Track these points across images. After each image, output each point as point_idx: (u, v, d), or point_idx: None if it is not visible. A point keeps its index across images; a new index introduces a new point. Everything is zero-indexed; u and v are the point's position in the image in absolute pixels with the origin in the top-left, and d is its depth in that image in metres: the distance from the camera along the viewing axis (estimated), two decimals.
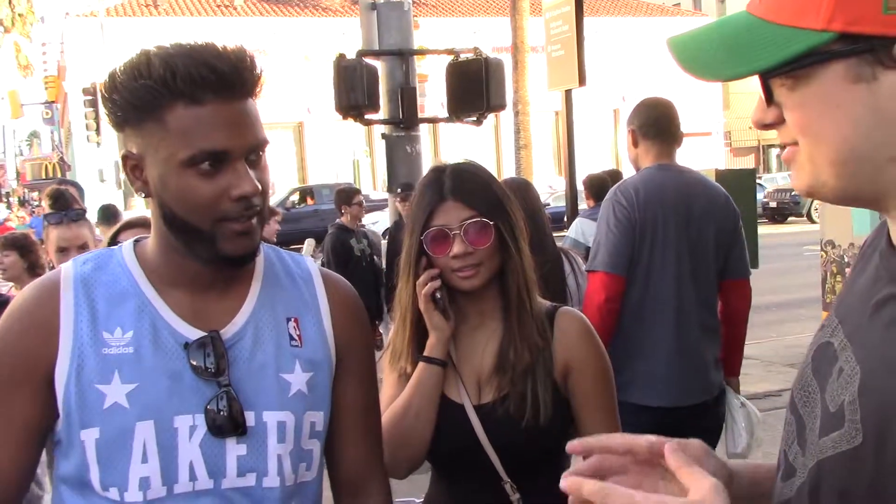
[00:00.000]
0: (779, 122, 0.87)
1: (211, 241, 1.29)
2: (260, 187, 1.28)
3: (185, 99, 1.22)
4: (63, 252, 3.44)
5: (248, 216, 1.29)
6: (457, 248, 1.76)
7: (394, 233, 7.13)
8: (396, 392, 1.86)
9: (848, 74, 0.80)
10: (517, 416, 1.77)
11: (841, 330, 0.89)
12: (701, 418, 3.25)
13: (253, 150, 1.28)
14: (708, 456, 0.99)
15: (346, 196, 7.39)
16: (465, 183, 1.81)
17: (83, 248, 3.42)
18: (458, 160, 1.89)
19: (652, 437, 0.96)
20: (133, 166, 1.30)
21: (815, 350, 0.93)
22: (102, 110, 1.30)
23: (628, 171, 3.57)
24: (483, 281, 1.80)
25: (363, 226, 7.38)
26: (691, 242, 3.17)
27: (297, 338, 1.40)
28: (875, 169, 0.82)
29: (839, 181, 0.84)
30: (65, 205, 3.52)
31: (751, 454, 3.45)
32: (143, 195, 1.31)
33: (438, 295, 1.81)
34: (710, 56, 0.86)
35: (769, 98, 0.85)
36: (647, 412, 3.10)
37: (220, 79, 1.23)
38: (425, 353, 1.83)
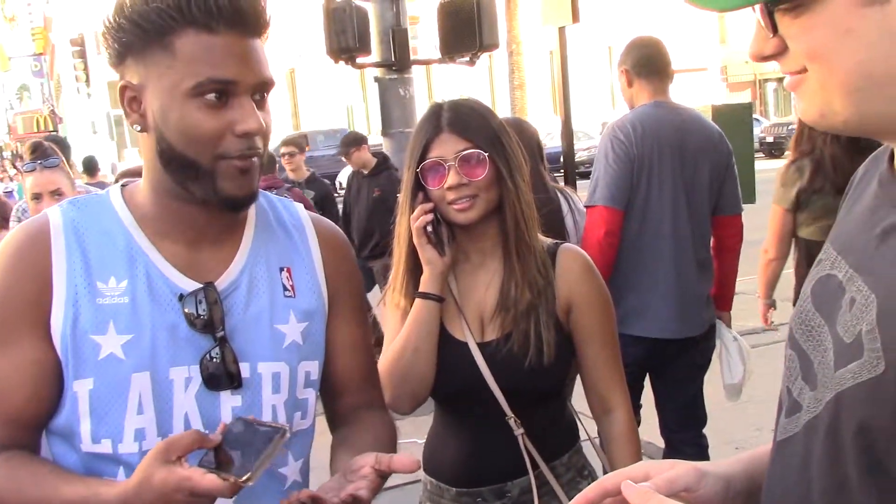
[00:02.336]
0: (780, 52, 0.84)
1: (210, 179, 1.26)
2: (264, 125, 1.26)
3: (197, 26, 1.20)
4: (37, 199, 3.44)
5: (249, 155, 1.26)
6: (451, 178, 1.77)
7: (350, 182, 7.01)
8: (398, 329, 1.87)
9: None
10: (521, 355, 1.79)
11: (843, 262, 0.88)
12: (689, 352, 3.35)
13: (260, 88, 1.26)
14: (701, 477, 0.99)
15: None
16: (462, 116, 1.82)
17: (57, 193, 3.42)
18: (458, 97, 1.89)
19: (640, 474, 0.97)
20: (131, 98, 1.27)
21: (815, 284, 0.92)
22: (96, 51, 1.27)
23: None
24: (479, 214, 1.80)
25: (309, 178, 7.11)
26: (687, 178, 3.22)
27: (290, 288, 1.39)
28: (892, 94, 0.80)
29: (853, 108, 0.81)
30: (42, 154, 3.51)
31: (745, 384, 3.57)
32: (139, 129, 1.28)
33: (430, 228, 1.81)
34: None
35: (774, 28, 0.83)
36: (640, 343, 3.19)
37: (237, 10, 1.21)
38: (420, 289, 1.83)
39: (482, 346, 1.83)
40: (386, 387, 1.79)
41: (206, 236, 1.34)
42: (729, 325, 3.51)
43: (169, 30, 1.20)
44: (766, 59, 0.85)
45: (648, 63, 3.28)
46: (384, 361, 1.85)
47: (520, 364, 1.79)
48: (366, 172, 6.59)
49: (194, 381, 1.29)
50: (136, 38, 1.22)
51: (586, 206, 3.25)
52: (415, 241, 1.81)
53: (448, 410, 1.94)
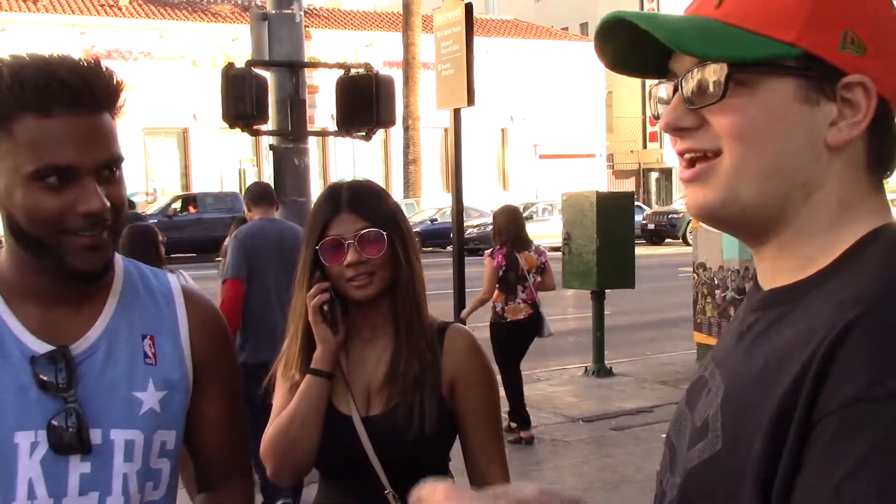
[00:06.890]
0: (696, 127, 0.89)
1: (58, 255, 1.26)
2: (109, 204, 1.25)
3: (33, 110, 1.20)
4: None
5: (96, 231, 1.26)
6: (350, 256, 1.82)
7: None
8: (286, 402, 1.89)
9: (798, 92, 0.85)
10: (404, 428, 1.82)
11: (713, 363, 0.96)
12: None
13: (104, 167, 1.25)
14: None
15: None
16: (361, 196, 1.89)
17: None
18: (354, 177, 1.97)
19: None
20: None
21: (689, 386, 1.00)
22: None
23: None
24: (377, 290, 1.85)
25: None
26: (283, 263, 4.51)
27: (151, 356, 1.38)
28: (787, 188, 0.87)
29: (756, 194, 0.87)
30: None
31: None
32: None
33: (326, 307, 1.85)
34: (686, 35, 0.87)
35: (723, 94, 0.86)
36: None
37: (71, 91, 1.20)
38: (312, 366, 1.86)
39: (366, 421, 1.85)
40: (269, 459, 1.83)
41: (65, 302, 1.34)
42: None
43: (6, 115, 1.20)
44: (678, 130, 0.90)
45: (259, 196, 5.33)
46: (269, 433, 1.86)
47: (402, 437, 1.82)
48: None
49: (41, 446, 1.26)
50: None
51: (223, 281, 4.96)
52: (310, 318, 1.85)
53: (330, 483, 1.94)
